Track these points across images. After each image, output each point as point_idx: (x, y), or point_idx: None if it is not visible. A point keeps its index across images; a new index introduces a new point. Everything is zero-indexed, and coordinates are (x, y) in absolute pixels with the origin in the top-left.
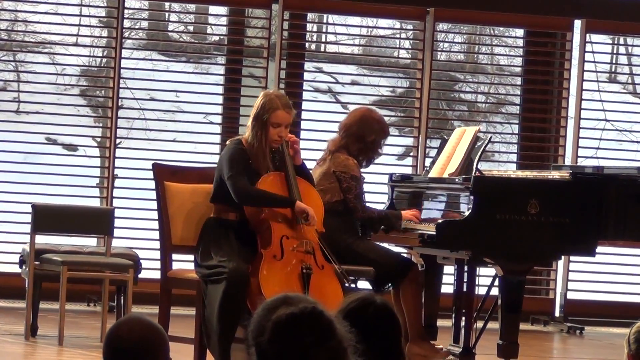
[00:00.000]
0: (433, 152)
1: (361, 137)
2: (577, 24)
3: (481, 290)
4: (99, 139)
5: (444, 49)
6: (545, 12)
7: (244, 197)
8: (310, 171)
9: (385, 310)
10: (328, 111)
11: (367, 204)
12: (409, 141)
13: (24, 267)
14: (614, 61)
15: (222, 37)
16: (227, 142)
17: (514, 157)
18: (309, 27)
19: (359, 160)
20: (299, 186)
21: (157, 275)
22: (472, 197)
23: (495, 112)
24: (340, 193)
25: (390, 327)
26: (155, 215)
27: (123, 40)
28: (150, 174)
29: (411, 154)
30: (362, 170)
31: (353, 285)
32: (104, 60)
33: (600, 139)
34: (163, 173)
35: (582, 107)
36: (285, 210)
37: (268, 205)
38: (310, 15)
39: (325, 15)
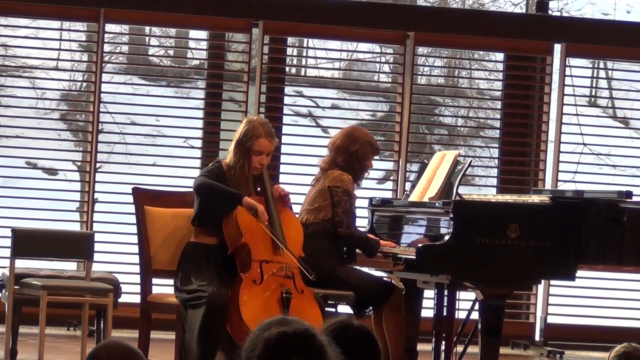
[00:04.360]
0: (413, 176)
1: (346, 149)
2: (557, 48)
3: (461, 315)
4: (79, 163)
5: (424, 73)
6: (525, 36)
7: (200, 186)
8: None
9: (363, 333)
10: (308, 135)
11: (355, 225)
12: (389, 165)
13: (3, 291)
14: (594, 85)
15: (202, 61)
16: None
17: (494, 181)
18: (289, 51)
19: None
20: (279, 211)
21: (137, 299)
22: (452, 221)
23: (475, 136)
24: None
25: (369, 350)
26: (135, 239)
27: (103, 64)
28: (131, 198)
29: (391, 178)
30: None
31: (333, 310)
32: (84, 84)
33: (579, 163)
34: (143, 197)
35: (562, 131)
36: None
37: (218, 196)
38: (290, 40)
39: (305, 40)
